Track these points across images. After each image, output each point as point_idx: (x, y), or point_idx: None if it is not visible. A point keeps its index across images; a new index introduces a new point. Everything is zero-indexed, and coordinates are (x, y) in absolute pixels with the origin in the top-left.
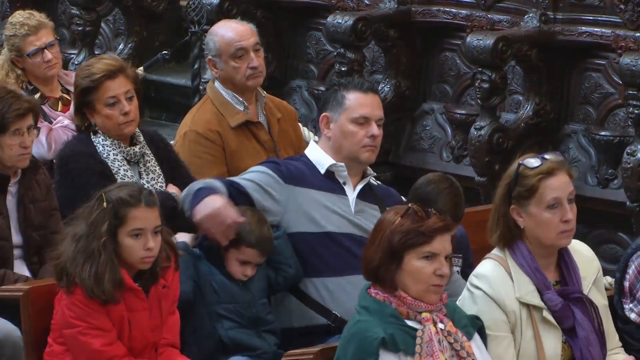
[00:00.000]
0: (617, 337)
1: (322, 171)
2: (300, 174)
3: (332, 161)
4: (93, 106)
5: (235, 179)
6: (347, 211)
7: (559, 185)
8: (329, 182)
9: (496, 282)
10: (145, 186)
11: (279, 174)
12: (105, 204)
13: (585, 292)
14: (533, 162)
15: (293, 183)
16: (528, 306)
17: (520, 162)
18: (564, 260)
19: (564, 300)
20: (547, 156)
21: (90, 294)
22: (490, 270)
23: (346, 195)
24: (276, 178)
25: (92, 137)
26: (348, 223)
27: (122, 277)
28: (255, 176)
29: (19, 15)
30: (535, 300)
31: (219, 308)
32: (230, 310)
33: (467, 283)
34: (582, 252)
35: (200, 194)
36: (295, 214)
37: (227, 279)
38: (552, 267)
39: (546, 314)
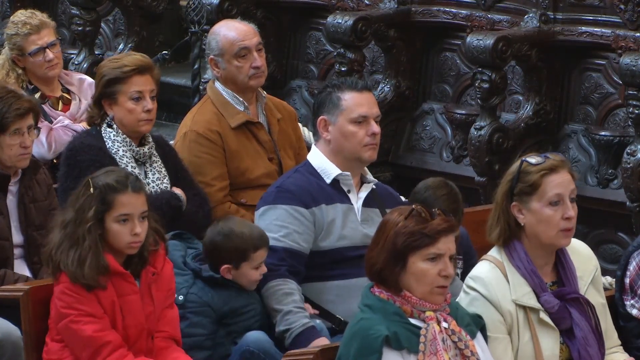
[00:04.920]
0: (616, 335)
1: (328, 181)
2: (308, 192)
3: (338, 171)
4: (115, 98)
5: (283, 245)
6: (354, 221)
7: (561, 182)
8: (335, 192)
9: (492, 283)
10: (151, 185)
11: (301, 204)
12: (92, 189)
13: (582, 291)
14: (536, 158)
15: (312, 205)
16: (525, 308)
17: (523, 158)
18: (561, 261)
19: (560, 301)
20: (549, 155)
21: (73, 280)
22: (486, 272)
23: (352, 204)
24: (301, 211)
25: (102, 131)
26: (356, 235)
27: (106, 263)
28: (291, 228)
29: (21, 15)
30: (532, 302)
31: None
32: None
33: (464, 285)
34: (579, 251)
35: (305, 339)
36: (315, 232)
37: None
38: (549, 268)
39: (543, 315)
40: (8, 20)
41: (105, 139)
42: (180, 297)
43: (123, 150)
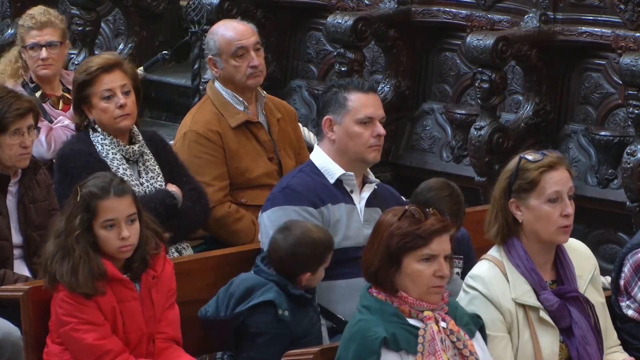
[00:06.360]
0: (615, 335)
1: (332, 181)
2: (314, 192)
3: (342, 171)
4: (90, 101)
5: None
6: (357, 222)
7: (560, 179)
8: (339, 191)
9: (491, 282)
10: (145, 185)
11: (310, 204)
12: (78, 198)
13: (582, 290)
14: (534, 156)
15: (320, 205)
16: (524, 307)
17: (522, 155)
18: (560, 259)
19: (560, 299)
20: (546, 152)
21: (70, 289)
22: (486, 270)
23: (354, 205)
24: (311, 211)
25: (91, 135)
26: (360, 235)
27: (103, 269)
28: None
29: (36, 9)
30: (532, 300)
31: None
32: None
33: (463, 284)
34: (578, 250)
35: None
36: None
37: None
38: (548, 267)
39: (543, 314)
40: (8, 21)
41: (94, 143)
42: (286, 313)
43: (113, 153)
